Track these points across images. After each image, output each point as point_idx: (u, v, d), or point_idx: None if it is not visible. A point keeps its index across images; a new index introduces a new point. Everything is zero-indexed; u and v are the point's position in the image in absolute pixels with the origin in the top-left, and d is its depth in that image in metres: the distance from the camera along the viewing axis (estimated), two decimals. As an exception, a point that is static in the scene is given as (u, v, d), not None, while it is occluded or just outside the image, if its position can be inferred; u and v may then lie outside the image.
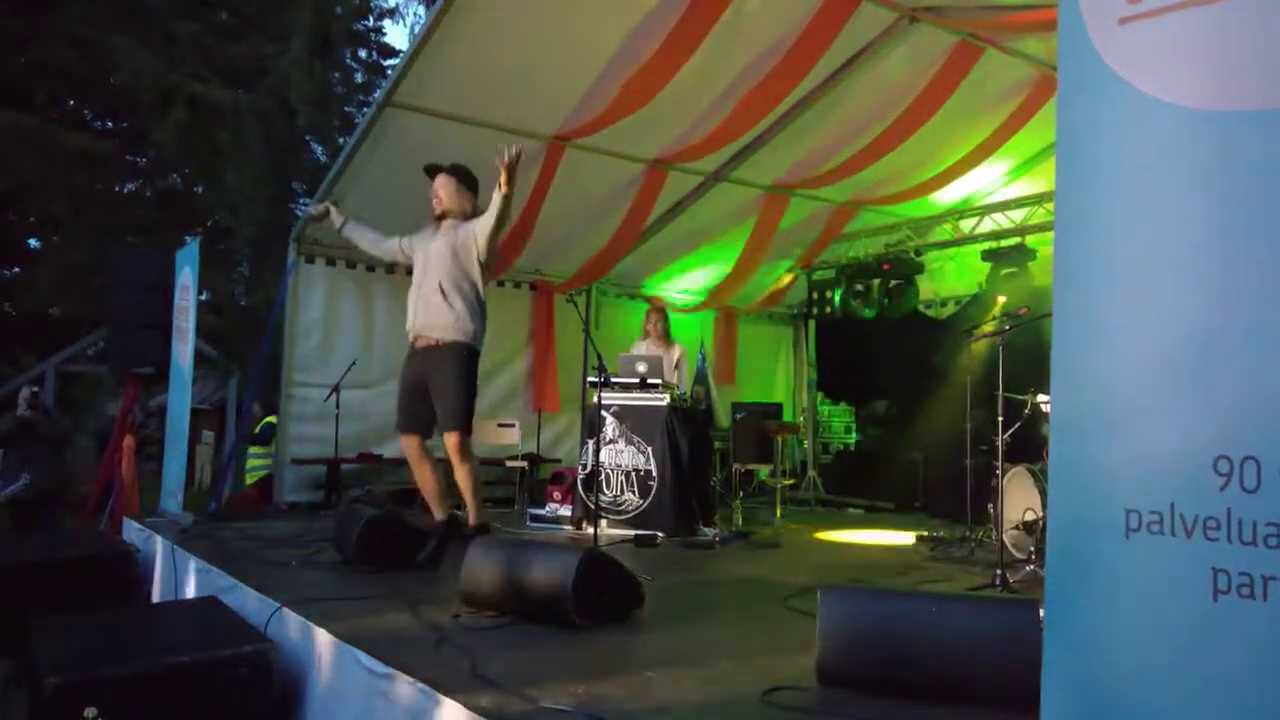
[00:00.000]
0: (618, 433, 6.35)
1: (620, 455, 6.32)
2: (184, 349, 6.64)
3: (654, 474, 6.17)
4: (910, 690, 2.64)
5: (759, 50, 5.84)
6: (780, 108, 6.55)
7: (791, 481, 9.05)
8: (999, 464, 4.92)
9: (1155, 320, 1.51)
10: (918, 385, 8.33)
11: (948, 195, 8.16)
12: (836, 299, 8.61)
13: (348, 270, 7.41)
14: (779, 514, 7.24)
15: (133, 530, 6.00)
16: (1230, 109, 1.44)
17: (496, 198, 4.12)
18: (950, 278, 8.70)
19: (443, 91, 5.84)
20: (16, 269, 15.50)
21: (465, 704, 2.48)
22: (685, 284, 9.21)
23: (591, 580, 3.46)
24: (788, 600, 4.07)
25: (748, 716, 2.55)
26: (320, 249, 7.22)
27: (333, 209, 4.82)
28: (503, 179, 4.09)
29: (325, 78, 14.59)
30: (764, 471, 8.25)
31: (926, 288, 8.54)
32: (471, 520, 4.42)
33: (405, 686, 2.73)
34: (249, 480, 7.95)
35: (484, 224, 4.19)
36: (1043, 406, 5.10)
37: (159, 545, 5.38)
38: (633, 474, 6.25)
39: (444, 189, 4.38)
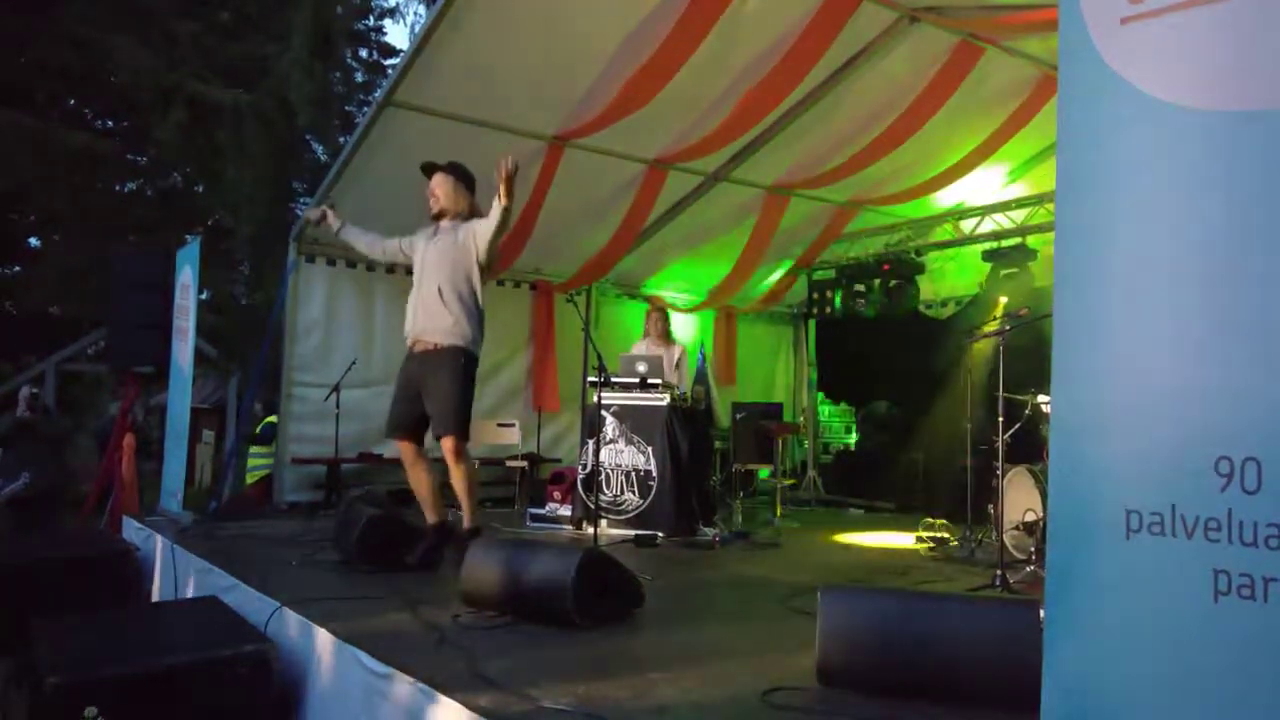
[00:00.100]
0: (618, 432, 6.34)
1: (620, 455, 6.32)
2: (184, 348, 6.64)
3: (654, 474, 6.16)
4: (910, 690, 2.64)
5: (759, 50, 5.84)
6: (780, 108, 6.55)
7: (792, 481, 9.05)
8: (999, 464, 4.92)
9: (1155, 320, 1.50)
10: (918, 385, 8.32)
11: (946, 198, 8.16)
12: (837, 299, 8.61)
13: (348, 270, 7.41)
14: (779, 514, 7.24)
15: (133, 529, 6.00)
16: (1231, 109, 1.44)
17: (496, 208, 4.10)
18: (950, 278, 8.70)
19: (443, 91, 5.83)
20: (17, 268, 15.52)
21: (465, 704, 2.48)
22: (685, 284, 9.20)
23: (591, 580, 3.46)
24: (788, 600, 4.07)
25: (748, 716, 2.54)
26: (320, 248, 7.22)
27: (329, 213, 4.81)
28: (502, 190, 4.07)
29: (325, 77, 14.60)
30: (764, 471, 8.25)
31: (926, 288, 8.53)
32: (466, 523, 4.41)
33: (405, 686, 2.72)
34: (250, 480, 7.94)
35: (484, 231, 4.17)
36: (1043, 407, 5.10)
37: (159, 545, 5.38)
38: (633, 474, 6.25)
39: (441, 188, 4.37)
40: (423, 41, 5.40)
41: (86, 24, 12.80)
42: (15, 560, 4.91)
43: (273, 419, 7.53)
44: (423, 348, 4.20)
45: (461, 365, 4.16)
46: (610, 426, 6.34)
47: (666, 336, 6.96)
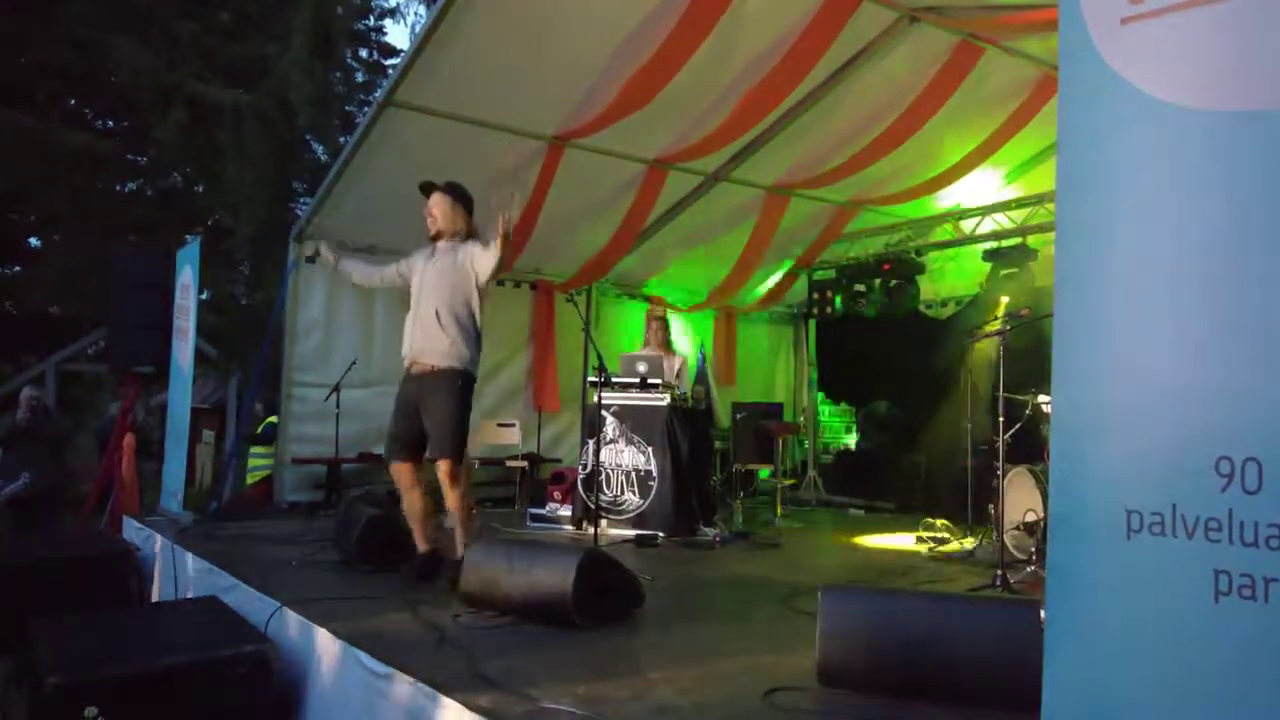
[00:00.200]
0: (618, 433, 6.35)
1: (620, 455, 6.32)
2: (184, 348, 6.64)
3: (654, 474, 6.16)
4: (910, 690, 2.64)
5: (759, 50, 5.84)
6: (781, 108, 6.54)
7: (792, 482, 9.05)
8: (999, 464, 4.92)
9: (1156, 320, 1.50)
10: (918, 386, 8.32)
11: (946, 198, 8.16)
12: (837, 299, 8.61)
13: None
14: (779, 514, 7.25)
15: (133, 530, 6.00)
16: (1231, 109, 1.43)
17: (495, 247, 4.07)
18: (950, 278, 8.69)
19: (443, 91, 5.83)
20: (17, 268, 15.51)
21: (465, 704, 2.48)
22: (685, 284, 9.20)
23: (591, 580, 3.46)
24: (788, 600, 4.07)
25: (748, 716, 2.54)
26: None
27: (323, 248, 4.82)
28: (499, 237, 4.03)
29: (326, 77, 14.60)
30: (764, 472, 8.24)
31: (927, 288, 8.54)
32: (459, 551, 4.34)
33: (405, 686, 2.72)
34: (251, 480, 7.94)
35: (484, 266, 4.14)
36: (1044, 407, 5.10)
37: (159, 545, 5.38)
38: (633, 474, 6.25)
39: (438, 208, 4.34)
40: (423, 41, 5.40)
41: (86, 24, 12.80)
42: (15, 560, 4.91)
43: (273, 419, 7.53)
44: (420, 369, 4.19)
45: (459, 388, 4.15)
46: (610, 426, 6.34)
47: (667, 346, 6.95)
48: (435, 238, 4.33)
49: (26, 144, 12.32)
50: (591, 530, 5.26)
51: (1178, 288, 1.48)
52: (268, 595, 3.83)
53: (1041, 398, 5.13)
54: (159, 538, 5.43)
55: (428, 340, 4.16)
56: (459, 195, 4.37)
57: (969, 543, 5.80)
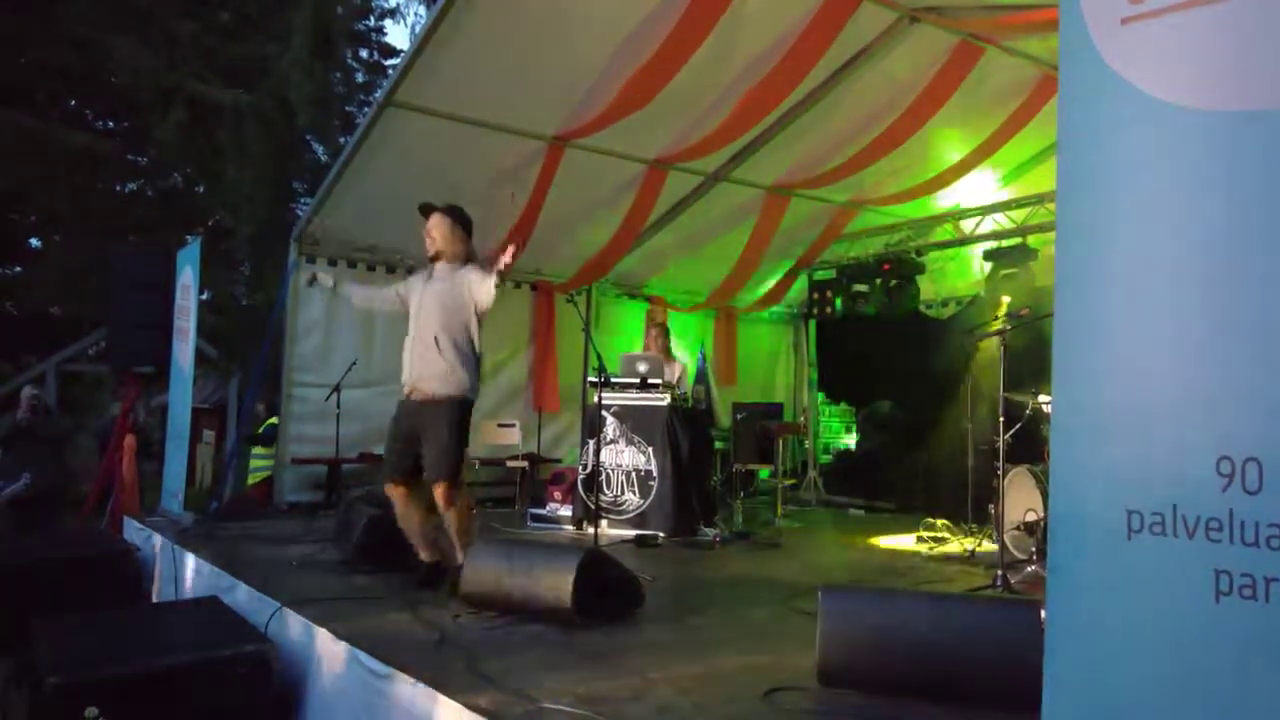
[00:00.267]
0: (618, 433, 6.35)
1: (621, 455, 6.32)
2: (185, 348, 6.64)
3: (654, 474, 6.17)
4: (910, 690, 2.64)
5: (759, 50, 5.83)
6: (781, 108, 6.54)
7: (792, 482, 9.05)
8: (1000, 465, 4.92)
9: (1156, 320, 1.50)
10: (918, 386, 8.32)
11: (945, 200, 8.15)
12: (837, 299, 8.61)
13: (349, 271, 7.40)
14: (779, 514, 7.24)
15: (133, 530, 6.00)
16: (1231, 109, 1.43)
17: (492, 280, 4.09)
18: (950, 278, 8.69)
19: (443, 91, 5.83)
20: (18, 268, 15.51)
21: (465, 704, 2.48)
22: (685, 284, 9.20)
23: (591, 580, 3.46)
24: (788, 600, 4.08)
25: (748, 716, 2.54)
26: (321, 249, 7.22)
27: (320, 275, 4.92)
28: (495, 272, 4.04)
29: (326, 77, 14.60)
30: (764, 472, 8.24)
31: (927, 288, 8.54)
32: (459, 557, 4.36)
33: (405, 686, 2.73)
34: (252, 481, 7.94)
35: (483, 296, 4.16)
36: (1044, 407, 5.10)
37: (159, 545, 5.39)
38: (633, 474, 6.25)
39: (438, 229, 4.33)
40: (423, 42, 5.40)
41: (86, 24, 12.80)
42: (15, 560, 4.91)
43: (274, 420, 7.53)
44: (420, 396, 4.19)
45: (458, 414, 4.16)
46: (611, 427, 6.35)
47: (667, 352, 6.95)
48: (434, 258, 4.33)
49: (26, 144, 12.33)
50: (592, 530, 5.26)
51: (1178, 288, 1.48)
52: (268, 595, 3.83)
53: (1042, 398, 5.13)
54: (159, 538, 5.43)
55: (426, 367, 4.16)
56: (459, 218, 4.36)
57: (969, 543, 5.80)
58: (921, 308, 8.68)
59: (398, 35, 39.85)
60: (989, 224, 7.78)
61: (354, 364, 7.11)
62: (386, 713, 2.79)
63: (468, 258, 4.37)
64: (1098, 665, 1.52)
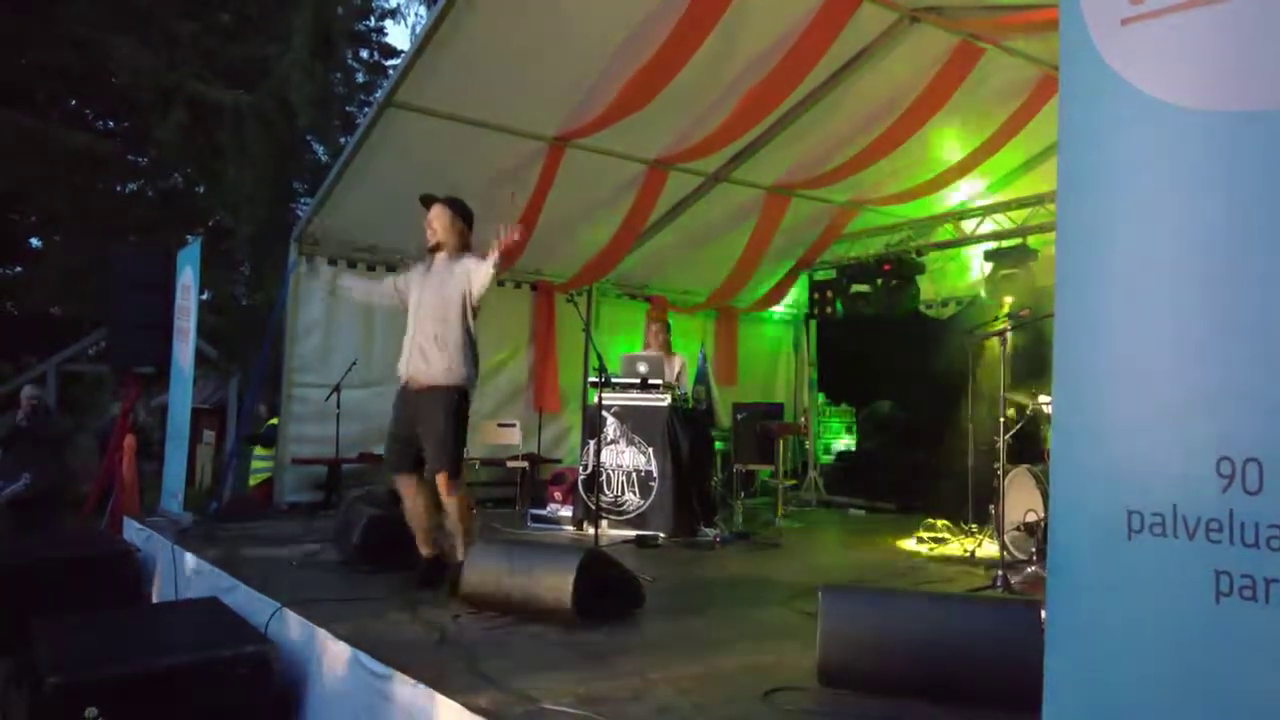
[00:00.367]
0: (619, 433, 6.34)
1: (621, 456, 6.32)
2: (185, 349, 6.64)
3: (655, 474, 6.16)
4: (910, 690, 2.64)
5: (760, 51, 5.83)
6: (781, 108, 6.54)
7: (792, 482, 9.04)
8: (1000, 465, 4.92)
9: (1156, 321, 1.50)
10: (919, 386, 8.32)
11: (946, 199, 8.16)
12: (837, 299, 8.61)
13: (349, 271, 7.40)
14: (780, 514, 7.24)
15: (133, 530, 6.00)
16: (1231, 109, 1.43)
17: (491, 262, 4.09)
18: (951, 278, 8.70)
19: (443, 91, 5.83)
20: (18, 268, 15.52)
21: (465, 704, 2.48)
22: (685, 284, 9.20)
23: (592, 580, 3.46)
24: (788, 600, 4.07)
25: (748, 716, 2.54)
26: (321, 249, 7.22)
27: (339, 282, 4.93)
28: (496, 253, 4.04)
29: (326, 78, 14.59)
30: (765, 472, 8.24)
31: (927, 288, 8.54)
32: (460, 556, 4.36)
33: (405, 686, 2.73)
34: (253, 481, 7.94)
35: (479, 280, 4.17)
36: (1044, 408, 5.09)
37: (159, 545, 5.39)
38: (633, 474, 6.25)
39: (439, 220, 4.34)
40: (423, 42, 5.40)
41: (86, 24, 12.80)
42: (15, 560, 4.91)
43: (275, 420, 7.53)
44: (418, 386, 4.20)
45: (457, 405, 4.17)
46: (611, 427, 6.34)
47: (667, 348, 6.94)
48: (434, 249, 4.34)
49: (26, 144, 12.32)
50: (592, 531, 5.26)
51: (1178, 288, 1.48)
52: (268, 596, 3.83)
53: (1042, 398, 5.13)
54: (159, 538, 5.43)
55: (425, 359, 4.18)
56: (459, 209, 4.37)
57: (969, 543, 5.80)
58: (921, 308, 8.68)
59: (398, 35, 39.91)
60: (989, 224, 7.77)
61: (354, 364, 7.11)
62: (386, 713, 2.79)
63: (467, 249, 4.37)
64: (1098, 665, 1.52)
